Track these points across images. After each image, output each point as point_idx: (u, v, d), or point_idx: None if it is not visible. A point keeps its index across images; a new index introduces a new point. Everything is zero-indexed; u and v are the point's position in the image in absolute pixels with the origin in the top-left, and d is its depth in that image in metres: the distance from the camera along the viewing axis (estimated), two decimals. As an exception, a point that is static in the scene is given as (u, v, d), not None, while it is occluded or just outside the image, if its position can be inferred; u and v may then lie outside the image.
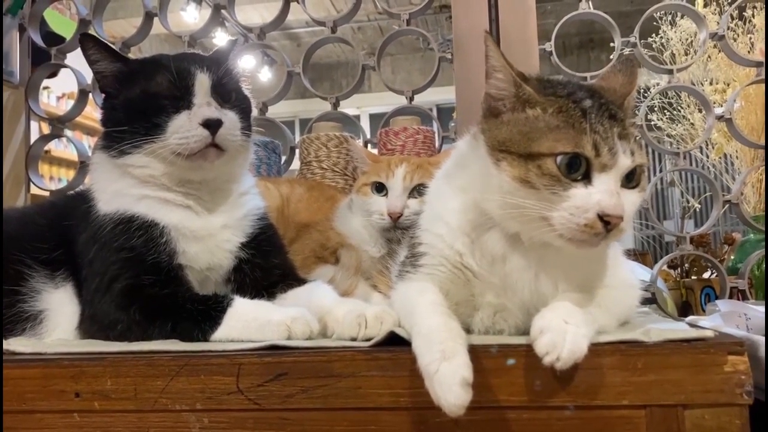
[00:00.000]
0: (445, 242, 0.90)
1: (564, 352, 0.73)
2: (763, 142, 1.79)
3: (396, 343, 0.84)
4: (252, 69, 6.11)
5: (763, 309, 1.23)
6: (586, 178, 0.78)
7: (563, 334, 0.74)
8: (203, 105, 1.02)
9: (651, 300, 1.58)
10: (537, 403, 0.79)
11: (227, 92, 1.06)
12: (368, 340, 0.88)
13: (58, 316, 1.06)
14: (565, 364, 0.73)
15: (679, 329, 0.83)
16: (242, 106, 1.09)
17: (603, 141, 0.78)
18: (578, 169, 0.78)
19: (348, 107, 1.96)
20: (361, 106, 6.31)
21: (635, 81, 0.90)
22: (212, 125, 1.00)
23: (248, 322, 0.95)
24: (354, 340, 0.89)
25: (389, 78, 7.21)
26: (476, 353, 0.76)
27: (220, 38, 6.54)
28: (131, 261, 1.01)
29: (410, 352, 0.78)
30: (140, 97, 1.04)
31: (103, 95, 1.09)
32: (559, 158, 0.78)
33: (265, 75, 6.54)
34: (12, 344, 0.96)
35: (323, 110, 1.89)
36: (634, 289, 0.96)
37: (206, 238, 1.06)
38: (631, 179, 0.81)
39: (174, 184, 1.05)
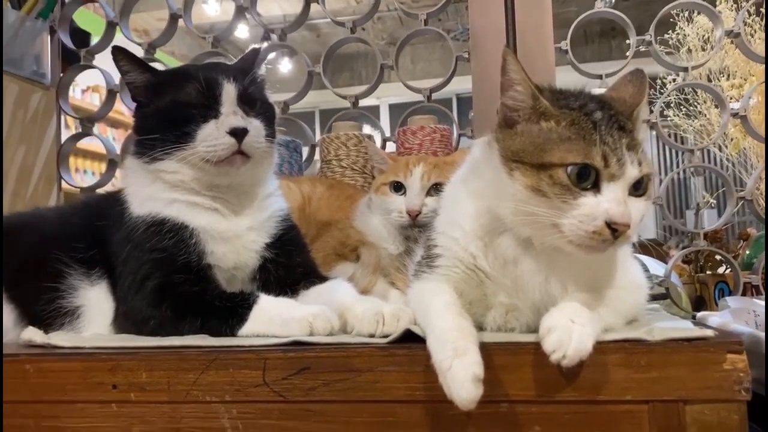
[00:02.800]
0: (460, 245, 0.94)
1: (570, 350, 0.76)
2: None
3: (412, 339, 0.87)
4: (272, 60, 6.16)
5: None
6: (596, 188, 0.82)
7: (569, 333, 0.78)
8: (230, 114, 1.07)
9: (664, 296, 1.60)
10: (545, 398, 0.82)
11: (253, 101, 1.11)
12: (385, 336, 0.92)
13: (94, 312, 1.12)
14: (571, 361, 0.76)
15: (681, 328, 0.87)
16: (267, 114, 1.13)
17: (612, 152, 0.81)
18: (588, 179, 0.81)
19: (368, 98, 2.01)
20: (380, 97, 6.31)
21: (644, 92, 0.93)
22: (238, 133, 1.05)
23: (273, 318, 0.99)
24: (372, 336, 0.93)
25: (408, 68, 7.22)
26: (487, 350, 0.80)
27: (242, 30, 6.59)
28: (163, 261, 1.06)
29: (425, 349, 0.81)
30: (170, 106, 1.08)
31: (135, 104, 1.14)
32: (569, 168, 0.81)
33: (285, 66, 6.58)
34: (53, 338, 1.02)
35: (343, 102, 1.93)
36: (641, 288, 0.99)
37: (233, 239, 1.11)
38: (638, 188, 0.84)
39: (203, 188, 1.10)
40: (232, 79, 1.08)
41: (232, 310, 1.01)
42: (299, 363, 0.88)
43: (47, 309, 1.11)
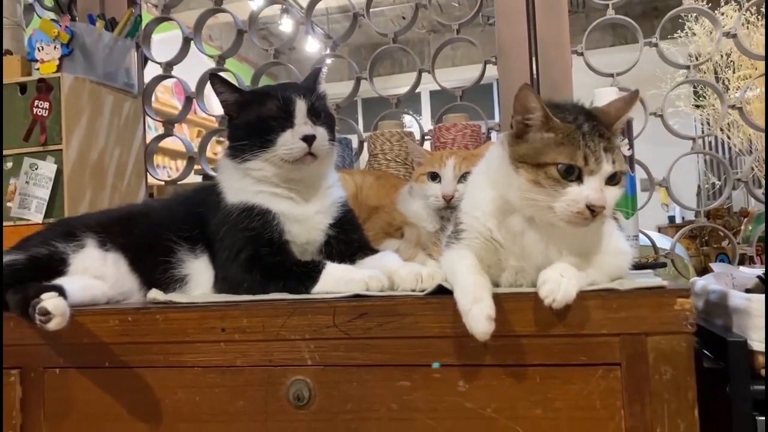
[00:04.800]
0: (480, 222, 1.13)
1: (558, 296, 0.97)
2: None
3: (443, 293, 1.07)
4: (316, 52, 6.42)
5: (746, 270, 1.50)
6: (579, 180, 1.01)
7: (559, 284, 0.98)
8: (302, 124, 1.29)
9: (664, 264, 1.83)
10: (541, 332, 1.02)
11: (318, 113, 1.33)
12: (423, 290, 1.12)
13: (198, 279, 1.34)
14: (560, 305, 0.97)
15: (646, 281, 1.08)
16: (329, 122, 1.37)
17: (592, 154, 1.01)
18: (573, 174, 1.01)
19: (409, 86, 2.25)
20: (422, 83, 6.49)
21: (630, 106, 1.13)
22: (309, 139, 1.27)
23: (337, 279, 1.20)
24: (413, 291, 1.14)
25: (449, 54, 7.35)
26: (499, 298, 1.01)
27: (286, 24, 6.84)
28: (252, 237, 1.28)
29: (453, 299, 1.01)
30: (256, 119, 1.31)
31: (227, 117, 1.39)
32: (559, 166, 1.01)
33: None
34: (172, 297, 1.27)
35: (382, 88, 2.21)
36: (624, 254, 1.18)
37: (304, 220, 1.32)
38: (613, 179, 1.06)
39: (281, 182, 1.32)
40: (302, 96, 1.31)
41: (306, 274, 1.22)
42: (359, 310, 1.09)
43: (162, 277, 1.33)
